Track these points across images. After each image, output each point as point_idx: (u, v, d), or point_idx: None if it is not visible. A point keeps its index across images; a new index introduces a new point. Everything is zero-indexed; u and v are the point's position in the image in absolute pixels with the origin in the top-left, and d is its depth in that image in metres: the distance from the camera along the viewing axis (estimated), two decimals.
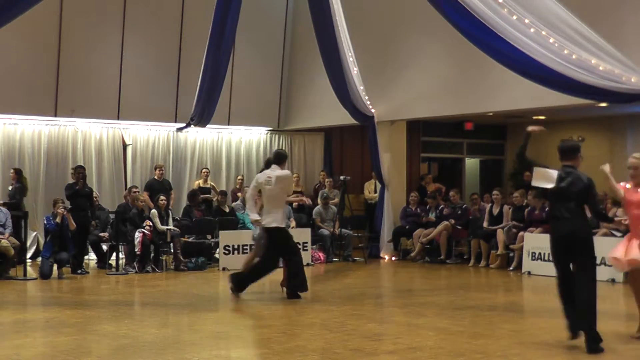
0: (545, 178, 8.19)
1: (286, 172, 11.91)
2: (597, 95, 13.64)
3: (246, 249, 15.80)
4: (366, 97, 17.40)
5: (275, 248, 11.65)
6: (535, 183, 8.34)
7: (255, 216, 11.74)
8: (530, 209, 16.05)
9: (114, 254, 15.59)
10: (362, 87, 17.22)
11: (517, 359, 7.53)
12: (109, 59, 18.06)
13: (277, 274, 12.07)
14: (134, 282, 14.10)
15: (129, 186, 17.25)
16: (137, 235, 15.03)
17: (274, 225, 11.56)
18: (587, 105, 14.55)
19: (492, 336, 8.69)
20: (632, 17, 13.89)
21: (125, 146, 18.68)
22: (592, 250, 8.05)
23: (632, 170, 8.62)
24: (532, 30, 12.80)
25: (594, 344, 7.80)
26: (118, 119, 18.35)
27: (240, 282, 11.82)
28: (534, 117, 21.00)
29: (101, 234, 16.01)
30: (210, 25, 16.91)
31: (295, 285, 11.63)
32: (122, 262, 15.45)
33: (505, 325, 9.45)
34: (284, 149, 20.72)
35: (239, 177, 19.45)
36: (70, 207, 14.81)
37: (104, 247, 16.25)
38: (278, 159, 11.90)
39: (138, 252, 15.04)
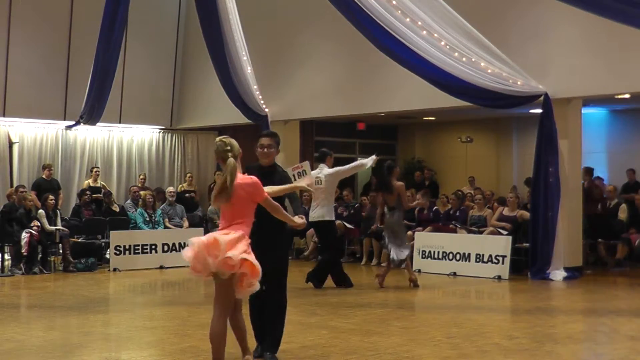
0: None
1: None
2: (486, 100, 14.01)
3: (137, 249, 15.57)
4: (260, 97, 17.36)
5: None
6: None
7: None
8: (419, 209, 16.38)
9: (0, 255, 15.14)
10: (255, 86, 17.16)
11: (408, 355, 7.66)
12: None
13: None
14: (21, 284, 13.74)
15: (15, 185, 16.77)
16: (24, 235, 14.65)
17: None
18: (475, 106, 14.93)
19: (384, 333, 8.82)
20: (518, 23, 14.33)
21: (11, 144, 18.13)
22: None
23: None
24: (424, 32, 13.05)
25: None
26: (4, 116, 17.81)
27: None
28: (424, 118, 21.44)
29: None
30: (100, 21, 16.56)
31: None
32: (8, 263, 15.05)
33: (396, 322, 9.60)
34: (176, 148, 20.57)
35: (141, 176, 19.19)
36: None
37: None
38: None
39: (25, 253, 14.66)
